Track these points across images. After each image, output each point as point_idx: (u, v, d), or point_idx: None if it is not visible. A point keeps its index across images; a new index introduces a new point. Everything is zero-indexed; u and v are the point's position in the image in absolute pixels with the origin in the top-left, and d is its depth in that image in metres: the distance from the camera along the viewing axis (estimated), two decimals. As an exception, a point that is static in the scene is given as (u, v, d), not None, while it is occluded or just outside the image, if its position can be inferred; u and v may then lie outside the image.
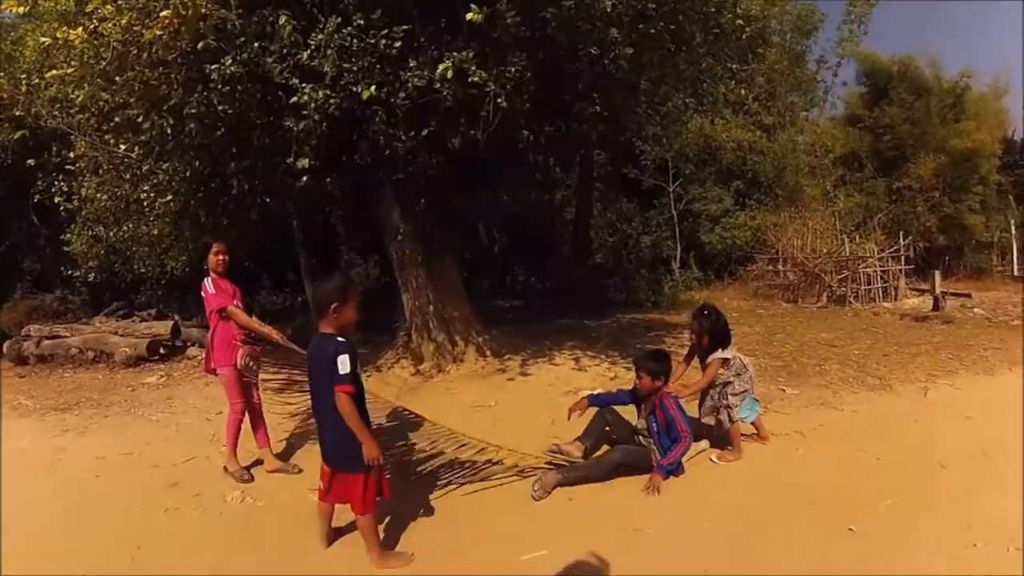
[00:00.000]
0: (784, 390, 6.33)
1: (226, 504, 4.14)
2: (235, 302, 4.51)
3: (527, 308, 14.60)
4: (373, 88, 5.21)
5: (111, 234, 8.15)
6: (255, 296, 16.24)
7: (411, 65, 5.42)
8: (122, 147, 6.39)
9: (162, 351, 10.23)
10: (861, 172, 20.20)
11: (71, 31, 4.79)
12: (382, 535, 3.36)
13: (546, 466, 4.23)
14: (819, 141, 20.02)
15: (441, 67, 5.15)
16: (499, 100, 5.54)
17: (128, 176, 6.98)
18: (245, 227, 8.00)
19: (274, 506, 4.07)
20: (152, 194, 6.72)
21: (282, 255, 13.09)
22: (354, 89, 5.28)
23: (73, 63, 5.06)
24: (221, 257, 4.54)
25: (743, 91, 16.04)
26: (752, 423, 4.73)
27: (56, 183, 8.54)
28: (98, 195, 7.50)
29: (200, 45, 4.93)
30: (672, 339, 8.97)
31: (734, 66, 10.36)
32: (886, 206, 18.73)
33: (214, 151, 6.09)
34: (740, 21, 7.28)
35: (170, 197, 6.71)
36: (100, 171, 7.36)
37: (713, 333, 4.58)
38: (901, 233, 16.00)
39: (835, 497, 3.85)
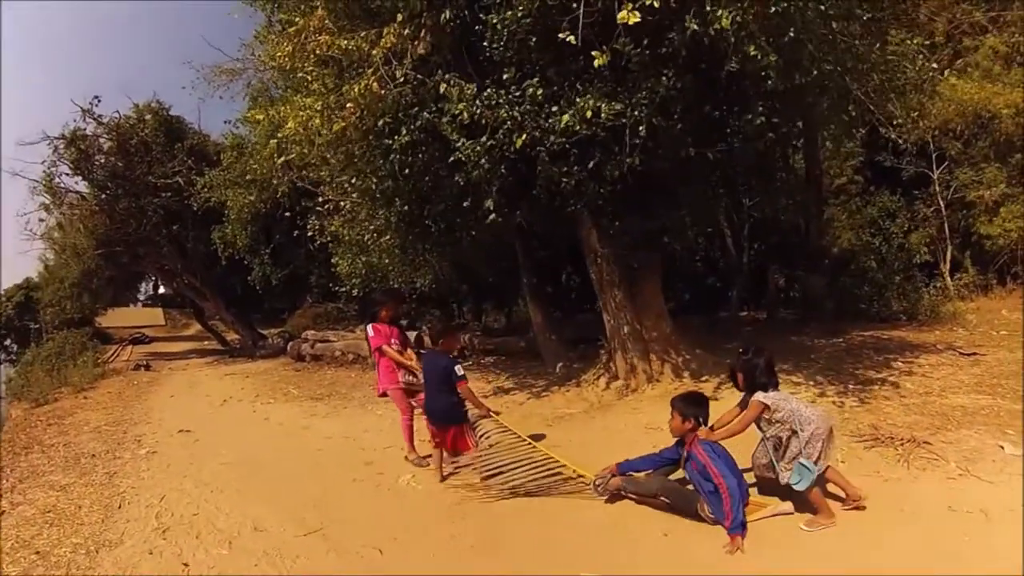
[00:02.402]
0: (1004, 447, 4.93)
1: (396, 484, 5.64)
2: (392, 341, 6.34)
3: (770, 321, 14.36)
4: (524, 136, 6.28)
5: (359, 261, 10.43)
6: (512, 307, 18.70)
7: (554, 110, 6.34)
8: (347, 201, 8.45)
9: (406, 357, 12.57)
10: None
11: (287, 128, 6.77)
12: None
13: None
14: None
15: (573, 110, 6.04)
16: (640, 128, 6.19)
17: (363, 218, 9.09)
18: (471, 253, 9.67)
19: (428, 491, 5.42)
20: (375, 234, 8.70)
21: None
22: (512, 137, 6.35)
23: (295, 148, 7.09)
24: (388, 314, 6.51)
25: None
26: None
27: (310, 222, 11.27)
28: (342, 232, 9.80)
29: (380, 123, 6.52)
30: (904, 363, 8.02)
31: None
32: None
33: (413, 200, 7.69)
34: None
35: (388, 236, 8.57)
36: (341, 213, 9.63)
37: (746, 371, 4.36)
38: None
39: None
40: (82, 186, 18.35)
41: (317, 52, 6.53)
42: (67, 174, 17.85)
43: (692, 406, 4.44)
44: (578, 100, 6.16)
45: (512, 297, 18.46)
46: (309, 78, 7.08)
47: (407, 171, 6.91)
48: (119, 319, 28.94)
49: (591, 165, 6.81)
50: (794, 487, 4.05)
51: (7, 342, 28.40)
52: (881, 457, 5.02)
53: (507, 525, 4.54)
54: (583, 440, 6.42)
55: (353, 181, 7.60)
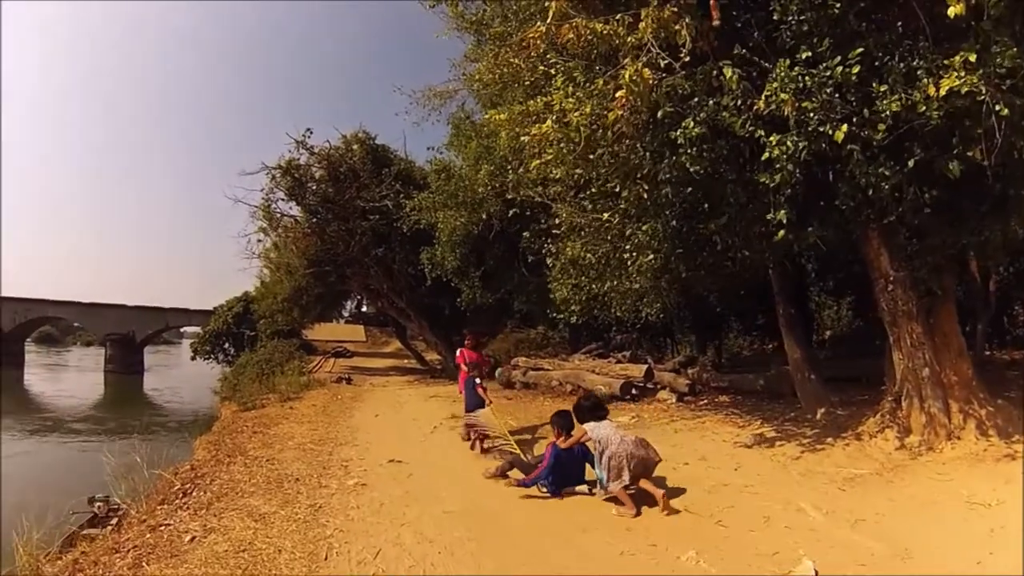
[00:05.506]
0: None
1: (678, 561, 4.50)
2: (465, 363, 9.24)
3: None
4: (845, 127, 5.01)
5: (594, 287, 9.41)
6: (723, 340, 17.32)
7: (881, 90, 5.02)
8: (603, 215, 7.50)
9: (634, 392, 11.57)
10: None
11: (542, 126, 5.91)
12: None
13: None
14: None
15: (926, 84, 4.74)
16: (997, 107, 4.71)
17: (609, 237, 8.06)
18: (721, 277, 8.58)
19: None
20: (634, 253, 7.60)
21: (755, 301, 13.41)
22: (822, 130, 5.12)
23: (549, 150, 6.22)
24: (470, 343, 9.60)
25: None
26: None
27: (545, 245, 10.50)
28: (583, 254, 8.80)
29: (659, 114, 5.53)
30: None
31: None
32: None
33: (689, 210, 6.66)
34: None
35: (651, 255, 7.43)
36: (582, 233, 8.71)
37: (576, 411, 6.20)
38: None
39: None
40: (296, 211, 19.58)
41: (571, 36, 5.66)
42: (282, 200, 19.15)
43: (557, 417, 6.29)
44: (920, 69, 4.83)
45: (723, 329, 17.14)
46: (552, 71, 6.39)
47: (698, 169, 5.80)
48: (324, 333, 30.99)
49: (911, 164, 5.34)
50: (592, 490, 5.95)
51: (226, 346, 31.94)
52: None
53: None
54: (889, 512, 5.15)
55: (618, 189, 6.65)
